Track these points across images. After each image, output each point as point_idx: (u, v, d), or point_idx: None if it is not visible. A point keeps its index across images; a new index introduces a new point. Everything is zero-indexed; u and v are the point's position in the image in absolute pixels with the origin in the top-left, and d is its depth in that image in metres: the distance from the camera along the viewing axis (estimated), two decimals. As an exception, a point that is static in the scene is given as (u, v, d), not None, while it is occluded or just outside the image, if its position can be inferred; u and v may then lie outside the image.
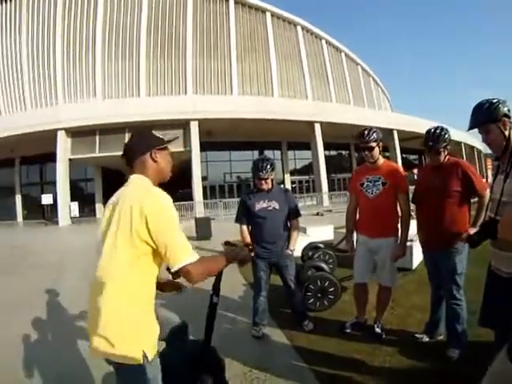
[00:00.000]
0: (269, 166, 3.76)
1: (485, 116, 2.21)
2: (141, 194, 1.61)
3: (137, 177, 1.75)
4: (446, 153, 3.17)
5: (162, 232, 1.54)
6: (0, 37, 32.07)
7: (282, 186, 4.48)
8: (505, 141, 2.15)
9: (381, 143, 3.51)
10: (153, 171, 1.79)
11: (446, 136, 3.13)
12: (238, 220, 4.00)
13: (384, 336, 3.58)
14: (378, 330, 3.66)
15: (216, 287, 2.17)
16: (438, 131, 3.14)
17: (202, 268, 1.61)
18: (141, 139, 1.84)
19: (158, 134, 1.89)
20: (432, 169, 3.30)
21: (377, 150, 3.48)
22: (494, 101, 2.21)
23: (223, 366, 2.37)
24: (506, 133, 2.16)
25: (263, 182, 3.78)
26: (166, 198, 1.63)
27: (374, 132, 3.47)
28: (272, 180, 3.86)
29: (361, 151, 3.55)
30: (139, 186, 1.68)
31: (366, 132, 3.46)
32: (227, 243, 2.23)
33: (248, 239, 3.88)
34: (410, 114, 35.59)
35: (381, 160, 3.57)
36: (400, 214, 3.53)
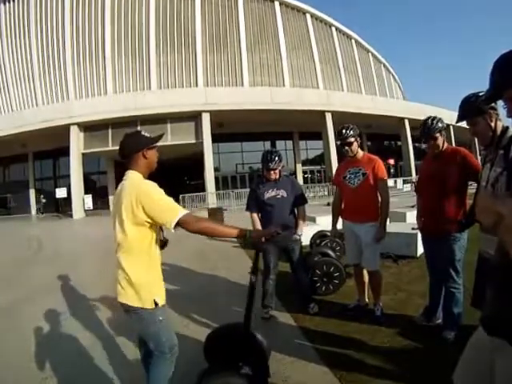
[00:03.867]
0: (277, 158, 4.06)
1: (471, 109, 2.34)
2: (136, 187, 2.08)
3: (131, 172, 2.22)
4: (442, 139, 3.30)
5: (154, 210, 2.01)
6: (10, 35, 32.59)
7: (290, 175, 4.67)
8: (491, 132, 2.27)
9: (358, 138, 3.86)
10: (144, 165, 2.25)
11: (439, 123, 3.29)
12: (249, 208, 4.29)
13: (382, 320, 3.74)
14: (378, 313, 3.84)
15: (254, 267, 2.33)
16: (429, 121, 3.32)
17: (196, 220, 2.05)
18: (133, 140, 2.26)
19: (146, 134, 2.28)
20: (432, 157, 3.42)
21: (355, 145, 3.84)
22: (481, 94, 2.33)
23: (264, 350, 2.51)
24: (492, 124, 2.28)
25: (272, 172, 4.09)
26: (152, 186, 2.09)
27: (352, 129, 3.80)
28: (280, 170, 4.15)
29: (341, 147, 3.89)
30: (134, 180, 2.16)
31: (344, 129, 3.79)
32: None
33: (259, 225, 4.14)
34: (423, 101, 35.09)
35: (360, 153, 3.90)
36: (380, 200, 3.82)
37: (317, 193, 26.64)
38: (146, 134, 2.27)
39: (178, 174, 31.00)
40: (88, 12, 31.72)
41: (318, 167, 33.16)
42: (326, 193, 25.75)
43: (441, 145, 3.30)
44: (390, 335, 3.42)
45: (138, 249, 2.10)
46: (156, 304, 2.09)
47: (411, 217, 8.08)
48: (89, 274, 7.34)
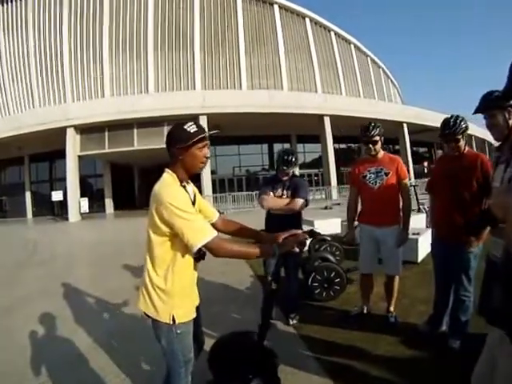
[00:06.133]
0: (294, 159, 3.87)
1: (493, 102, 2.25)
2: (161, 192, 1.82)
3: (166, 171, 1.96)
4: (464, 141, 3.13)
5: (176, 223, 1.76)
6: (7, 36, 32.52)
7: (299, 176, 4.48)
8: (507, 130, 2.19)
9: (382, 137, 3.65)
10: (179, 165, 1.94)
11: (463, 124, 3.07)
12: (264, 192, 4.00)
13: (398, 326, 3.67)
14: (392, 319, 3.75)
15: (275, 274, 2.16)
16: (453, 119, 3.09)
17: (224, 245, 1.80)
18: (171, 133, 1.95)
19: (192, 128, 1.92)
20: (451, 158, 3.23)
21: (379, 144, 3.63)
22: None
23: (277, 363, 2.31)
24: (510, 122, 2.20)
25: (285, 174, 3.94)
26: (176, 195, 1.82)
27: (378, 127, 3.61)
28: (293, 171, 4.00)
29: (364, 144, 3.67)
30: (162, 183, 1.89)
31: (371, 127, 3.59)
32: (311, 233, 2.16)
33: (282, 202, 3.92)
34: (421, 106, 35.18)
35: (381, 152, 3.69)
36: (401, 201, 3.65)
37: (314, 196, 26.54)
38: (191, 129, 1.90)
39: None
40: (86, 14, 31.62)
41: (316, 170, 32.92)
42: (324, 196, 25.70)
43: (462, 147, 3.13)
44: (394, 344, 3.32)
45: (161, 258, 1.90)
46: (174, 320, 1.90)
47: (412, 221, 7.90)
48: (84, 277, 7.23)
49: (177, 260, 1.91)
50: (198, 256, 1.97)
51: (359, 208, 3.92)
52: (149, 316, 1.94)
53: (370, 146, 3.60)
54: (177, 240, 1.84)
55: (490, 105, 2.28)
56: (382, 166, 3.62)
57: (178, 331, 1.93)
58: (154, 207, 1.81)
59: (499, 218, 1.64)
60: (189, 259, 1.97)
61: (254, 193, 24.04)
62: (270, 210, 3.99)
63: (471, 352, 2.93)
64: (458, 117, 3.10)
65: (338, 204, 20.35)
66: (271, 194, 3.98)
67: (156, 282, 1.90)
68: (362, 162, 3.84)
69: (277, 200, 3.92)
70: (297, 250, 1.95)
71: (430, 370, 2.86)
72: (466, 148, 3.15)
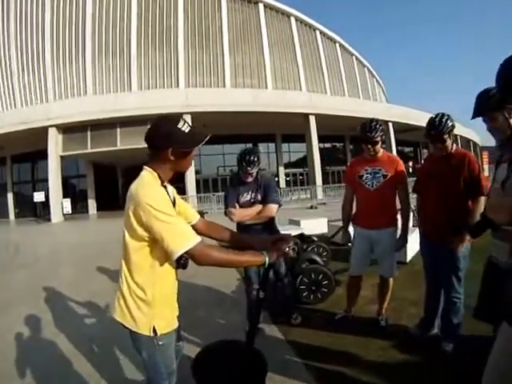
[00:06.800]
0: (256, 159, 3.53)
1: (490, 104, 2.10)
2: (138, 192, 1.64)
3: (145, 170, 1.77)
4: (451, 140, 3.02)
5: (155, 226, 1.58)
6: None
7: (270, 175, 4.20)
8: (509, 129, 2.06)
9: (383, 136, 3.44)
10: (167, 166, 1.78)
11: (449, 122, 2.94)
12: (230, 205, 3.64)
13: (388, 330, 3.59)
14: (383, 323, 3.66)
15: (263, 282, 2.00)
16: (438, 118, 2.95)
17: (208, 252, 1.63)
18: (166, 130, 1.71)
19: (186, 127, 1.73)
20: (439, 158, 3.13)
21: (380, 144, 3.41)
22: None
23: (266, 371, 2.15)
24: (511, 121, 2.07)
25: (248, 175, 3.60)
26: (155, 195, 1.64)
27: (380, 125, 3.38)
28: (257, 172, 3.66)
29: (364, 143, 3.43)
30: (141, 182, 1.70)
31: (373, 125, 3.35)
32: (302, 237, 2.01)
33: (256, 209, 3.61)
34: (405, 105, 35.42)
35: (380, 151, 3.48)
36: (400, 204, 3.52)
37: (299, 196, 26.53)
38: (185, 129, 1.71)
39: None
40: (69, 12, 31.08)
41: (301, 170, 32.88)
42: (309, 196, 25.69)
43: (449, 147, 3.02)
44: (386, 348, 3.23)
45: (139, 265, 1.72)
46: (155, 332, 1.73)
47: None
48: (67, 279, 7.07)
49: (156, 267, 1.74)
50: (180, 264, 1.76)
51: (354, 208, 3.76)
52: (127, 327, 1.77)
53: (370, 146, 3.38)
54: (156, 246, 1.67)
55: (488, 106, 2.13)
56: (380, 166, 3.43)
57: (160, 343, 1.77)
58: (131, 208, 1.63)
59: (497, 221, 1.63)
60: (170, 266, 1.80)
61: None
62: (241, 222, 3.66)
63: (464, 355, 2.97)
64: (443, 115, 2.96)
65: (324, 203, 20.39)
66: (237, 205, 3.65)
67: (135, 292, 1.73)
68: (359, 161, 3.62)
69: (246, 211, 3.59)
70: (291, 253, 1.81)
71: (423, 374, 2.80)
72: (454, 147, 3.06)
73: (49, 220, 22.68)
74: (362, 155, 3.62)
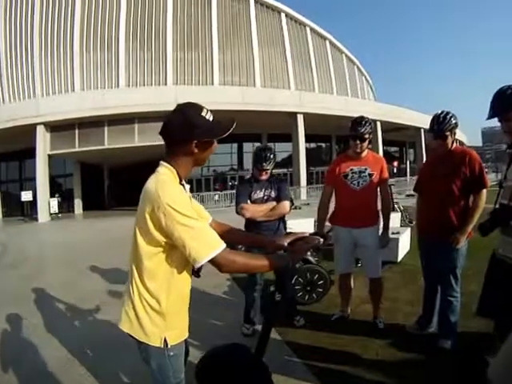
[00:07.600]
0: (272, 156, 3.62)
1: (508, 103, 2.12)
2: (158, 191, 1.46)
3: (163, 166, 1.61)
4: (453, 138, 3.06)
5: (176, 231, 1.43)
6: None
7: (278, 175, 4.23)
8: None
9: (371, 135, 3.48)
10: (186, 161, 1.63)
11: (453, 120, 3.00)
12: (243, 200, 3.67)
13: (384, 331, 3.59)
14: (381, 325, 3.65)
15: (278, 284, 1.91)
16: (443, 115, 3.01)
17: (235, 259, 1.50)
18: (186, 121, 1.55)
19: (210, 115, 1.58)
20: (439, 156, 3.20)
21: (368, 142, 3.45)
22: None
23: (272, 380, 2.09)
24: None
25: (263, 172, 3.65)
26: (177, 196, 1.49)
27: (370, 123, 3.43)
28: (271, 170, 3.73)
29: (352, 140, 3.44)
30: (160, 180, 1.53)
31: (363, 122, 3.39)
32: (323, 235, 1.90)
33: (267, 206, 3.67)
34: (394, 103, 35.50)
35: (365, 151, 3.51)
36: (380, 202, 3.58)
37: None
38: (209, 117, 1.57)
39: (144, 178, 29.39)
40: (58, 7, 30.59)
41: (285, 170, 32.41)
42: (293, 196, 25.55)
43: (450, 144, 3.06)
44: (383, 347, 3.26)
45: (152, 272, 1.56)
46: (166, 343, 1.59)
47: (391, 221, 7.90)
48: (55, 280, 6.91)
49: (172, 275, 1.60)
50: (194, 272, 1.66)
51: (331, 208, 3.72)
52: (135, 338, 1.63)
53: (358, 142, 3.39)
54: (174, 252, 1.54)
55: (505, 106, 2.12)
56: (366, 165, 3.45)
57: (171, 353, 1.64)
58: (148, 210, 1.47)
59: None
60: (187, 274, 1.68)
61: (222, 193, 24.13)
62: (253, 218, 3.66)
63: (462, 351, 3.03)
64: (448, 113, 3.02)
65: (308, 204, 20.42)
66: (249, 201, 3.68)
67: (147, 300, 1.58)
68: (344, 160, 3.58)
69: (260, 206, 3.63)
70: (309, 256, 1.72)
71: (421, 371, 2.84)
72: (454, 145, 3.10)
73: (36, 219, 22.44)
74: (346, 154, 3.63)
